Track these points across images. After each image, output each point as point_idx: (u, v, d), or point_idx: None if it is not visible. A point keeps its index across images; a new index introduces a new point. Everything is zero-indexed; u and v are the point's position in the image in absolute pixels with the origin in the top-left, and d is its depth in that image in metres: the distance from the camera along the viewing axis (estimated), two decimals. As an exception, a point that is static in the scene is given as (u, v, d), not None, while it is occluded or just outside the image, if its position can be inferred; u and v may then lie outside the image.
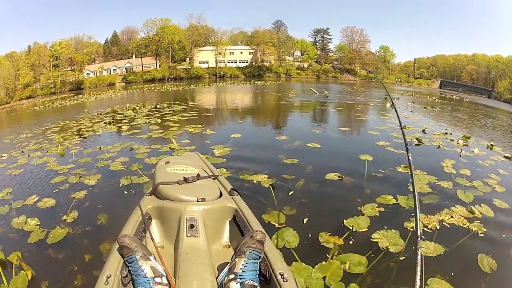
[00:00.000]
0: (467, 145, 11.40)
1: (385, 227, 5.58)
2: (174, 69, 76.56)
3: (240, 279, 2.54)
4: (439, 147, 11.17)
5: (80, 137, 13.95)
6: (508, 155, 10.53)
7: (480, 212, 6.24)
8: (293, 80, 72.64)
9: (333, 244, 5.14)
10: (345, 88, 46.90)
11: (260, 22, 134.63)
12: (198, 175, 4.13)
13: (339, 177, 7.86)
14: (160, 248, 3.19)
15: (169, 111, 20.41)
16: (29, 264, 4.84)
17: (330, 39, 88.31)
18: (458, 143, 11.66)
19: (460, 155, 9.95)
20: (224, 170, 8.02)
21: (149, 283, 2.58)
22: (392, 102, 6.57)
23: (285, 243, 5.16)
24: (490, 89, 68.38)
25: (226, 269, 2.73)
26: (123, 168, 9.00)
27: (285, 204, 6.43)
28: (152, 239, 3.13)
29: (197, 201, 3.56)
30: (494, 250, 5.12)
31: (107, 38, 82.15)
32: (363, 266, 4.63)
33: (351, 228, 5.62)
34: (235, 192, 4.00)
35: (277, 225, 5.69)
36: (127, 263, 2.73)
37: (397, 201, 6.59)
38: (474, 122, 22.14)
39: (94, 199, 7.18)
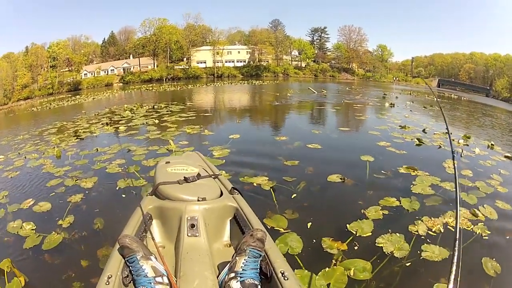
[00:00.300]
0: (467, 145, 11.33)
1: (389, 230, 5.48)
2: (172, 69, 76.20)
3: (241, 277, 2.54)
4: (440, 147, 11.08)
5: (77, 138, 13.83)
6: (509, 155, 10.43)
7: (483, 214, 6.14)
8: (290, 79, 72.25)
9: (336, 249, 5.03)
10: (343, 88, 46.75)
11: (258, 21, 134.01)
12: (199, 174, 4.12)
13: (341, 179, 7.74)
14: (161, 248, 3.23)
15: (167, 111, 20.32)
16: (24, 271, 4.77)
17: (328, 38, 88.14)
18: (458, 143, 11.59)
19: (461, 155, 9.82)
20: (224, 172, 7.81)
21: (150, 282, 2.57)
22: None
23: (288, 249, 5.05)
24: (488, 88, 68.26)
25: (226, 268, 2.72)
26: (120, 170, 8.88)
27: (287, 208, 6.30)
28: (153, 239, 3.11)
29: (198, 200, 3.56)
30: (498, 253, 5.05)
31: (104, 38, 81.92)
32: (368, 272, 4.53)
33: (354, 232, 5.51)
34: (235, 191, 4.00)
35: (282, 230, 5.57)
36: (128, 263, 2.72)
37: (400, 204, 6.48)
38: (473, 121, 22.10)
39: (90, 202, 7.06)
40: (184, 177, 3.94)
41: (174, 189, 3.75)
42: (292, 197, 6.89)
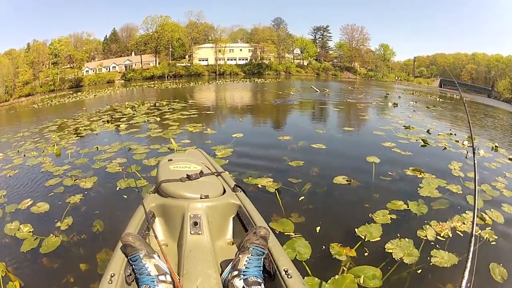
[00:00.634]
0: (472, 146, 11.01)
1: (398, 235, 5.34)
2: (174, 67, 76.08)
3: (244, 275, 2.53)
4: (445, 148, 10.92)
5: (77, 136, 13.70)
6: (513, 157, 10.25)
7: (490, 218, 6.02)
8: (292, 78, 72.25)
9: (345, 256, 4.86)
10: (345, 87, 46.60)
11: (260, 20, 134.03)
12: (201, 172, 4.11)
13: (347, 180, 7.57)
14: (164, 246, 3.22)
15: (169, 109, 20.23)
16: (20, 275, 4.68)
17: (330, 37, 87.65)
18: (463, 144, 11.46)
19: (466, 157, 9.71)
20: (227, 173, 7.61)
21: (153, 281, 2.54)
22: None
23: (296, 255, 4.88)
24: (490, 89, 68.21)
25: (229, 266, 2.70)
26: (120, 170, 8.71)
27: (293, 211, 6.14)
28: (156, 237, 3.15)
29: (201, 198, 3.56)
30: (506, 258, 4.97)
31: (106, 36, 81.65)
32: (378, 280, 4.39)
33: (363, 237, 5.35)
34: (238, 188, 3.99)
35: (293, 234, 5.42)
36: (130, 262, 2.69)
37: (408, 207, 6.35)
38: (475, 121, 21.98)
39: (89, 204, 6.91)
40: (187, 175, 3.93)
41: (177, 187, 3.73)
42: (300, 199, 6.72)
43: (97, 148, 10.89)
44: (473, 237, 2.33)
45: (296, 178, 7.65)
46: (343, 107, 23.28)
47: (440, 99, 35.47)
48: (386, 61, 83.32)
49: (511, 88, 64.19)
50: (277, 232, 5.40)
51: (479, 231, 5.56)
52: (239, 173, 8.00)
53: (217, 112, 21.45)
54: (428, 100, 33.01)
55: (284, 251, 2.92)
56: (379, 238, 5.32)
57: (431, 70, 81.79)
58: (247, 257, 2.62)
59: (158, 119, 16.36)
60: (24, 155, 11.10)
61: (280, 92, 34.12)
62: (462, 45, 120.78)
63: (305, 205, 6.51)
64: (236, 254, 2.75)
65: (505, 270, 4.63)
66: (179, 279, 2.60)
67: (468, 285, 2.00)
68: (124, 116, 18.26)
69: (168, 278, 2.58)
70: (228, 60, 79.75)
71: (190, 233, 3.16)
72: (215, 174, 4.35)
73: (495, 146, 11.72)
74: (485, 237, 5.41)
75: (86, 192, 7.41)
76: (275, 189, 7.10)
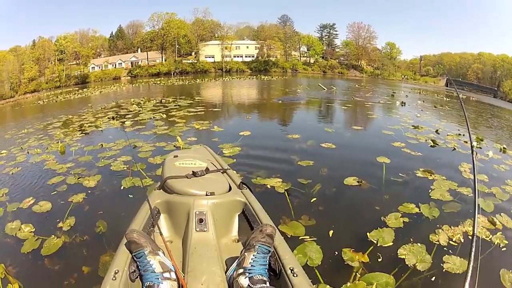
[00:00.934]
0: (480, 148, 10.91)
1: (411, 239, 5.17)
2: (180, 63, 76.23)
3: (249, 273, 2.50)
4: (454, 149, 10.64)
5: (82, 133, 13.63)
6: (522, 160, 10.07)
7: (501, 223, 5.84)
8: (299, 75, 72.34)
9: (357, 261, 4.70)
10: (352, 85, 46.44)
11: (266, 17, 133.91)
12: (207, 168, 4.11)
13: (358, 182, 7.38)
14: (169, 243, 3.24)
15: (175, 106, 20.13)
16: (20, 277, 4.63)
17: (337, 34, 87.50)
18: (472, 145, 11.06)
19: (475, 159, 9.35)
20: (234, 173, 7.43)
21: (158, 278, 2.52)
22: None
23: (307, 260, 4.71)
24: (496, 89, 67.94)
25: (235, 263, 2.69)
26: (125, 168, 8.56)
27: (303, 213, 5.96)
28: (161, 233, 3.08)
29: (206, 195, 3.53)
30: None
31: (112, 32, 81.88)
32: (391, 287, 4.25)
33: (375, 242, 5.18)
34: (244, 185, 3.98)
35: (304, 238, 5.23)
36: (135, 258, 2.68)
37: (419, 210, 6.17)
38: (482, 122, 21.90)
39: (93, 203, 6.76)
40: (193, 171, 3.92)
41: (182, 184, 3.71)
42: (311, 201, 6.54)
43: (102, 146, 10.74)
44: (474, 246, 2.46)
45: (305, 178, 7.47)
46: (351, 105, 23.09)
47: (447, 99, 35.31)
48: (392, 59, 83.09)
49: (517, 89, 63.98)
50: (289, 236, 5.25)
51: (490, 236, 5.44)
52: (247, 172, 7.84)
53: (224, 109, 21.36)
54: (435, 99, 32.80)
55: (290, 250, 2.87)
56: (391, 243, 5.16)
57: (438, 69, 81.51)
58: (253, 255, 2.59)
59: (164, 116, 16.22)
60: (28, 152, 11.01)
61: (287, 90, 34.09)
62: (469, 43, 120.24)
63: (316, 207, 6.34)
64: (241, 252, 2.72)
65: (515, 277, 4.48)
66: (183, 276, 2.60)
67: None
68: (130, 112, 18.17)
69: (173, 275, 2.57)
70: (234, 57, 79.90)
71: (195, 230, 3.13)
72: (221, 171, 4.32)
73: (503, 147, 11.49)
74: (496, 242, 5.28)
75: (89, 191, 7.26)
76: (285, 190, 6.93)
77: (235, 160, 8.79)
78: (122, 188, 7.32)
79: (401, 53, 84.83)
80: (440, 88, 62.55)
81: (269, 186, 7.12)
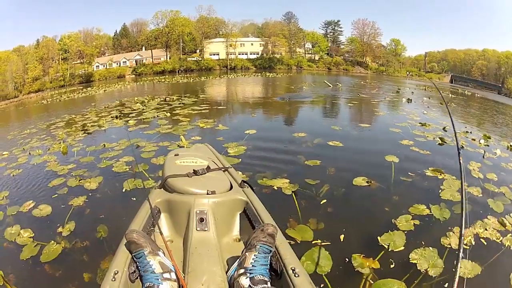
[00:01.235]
0: (488, 145, 10.80)
1: (422, 243, 5.03)
2: (185, 61, 76.35)
3: (250, 274, 2.45)
4: (463, 147, 10.36)
5: (84, 132, 13.55)
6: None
7: (510, 224, 5.72)
8: (304, 72, 72.25)
9: (368, 268, 4.56)
10: (357, 81, 46.40)
11: (271, 14, 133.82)
12: (208, 167, 4.02)
13: (367, 182, 7.20)
14: (169, 243, 3.22)
15: (179, 104, 20.03)
16: (19, 285, 4.63)
17: (341, 31, 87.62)
18: (480, 143, 11.08)
19: (483, 157, 9.40)
20: (240, 173, 7.27)
21: (157, 278, 2.47)
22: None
23: (316, 267, 4.54)
24: (500, 85, 67.93)
25: (236, 263, 2.65)
26: (127, 169, 8.42)
27: (311, 216, 5.79)
28: (161, 233, 3.10)
29: (207, 194, 3.46)
30: None
31: (116, 31, 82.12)
32: None
33: (386, 246, 5.04)
34: (245, 184, 3.90)
35: (320, 241, 5.08)
36: (135, 259, 2.62)
37: (430, 212, 6.03)
38: (487, 118, 21.97)
39: (94, 206, 6.63)
40: (193, 170, 3.82)
41: (183, 182, 3.63)
42: (319, 203, 6.38)
43: (104, 146, 10.64)
44: (461, 250, 2.28)
45: (313, 179, 7.30)
46: (357, 102, 22.98)
47: (453, 95, 35.23)
48: (397, 56, 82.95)
49: (521, 86, 63.87)
50: (299, 242, 5.10)
51: (500, 238, 5.33)
52: (253, 173, 7.70)
53: (228, 107, 21.26)
54: (440, 96, 32.53)
55: (291, 249, 2.79)
56: (403, 248, 5.02)
57: (442, 66, 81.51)
58: (254, 255, 2.55)
59: (168, 114, 16.11)
60: (30, 153, 10.93)
61: (292, 87, 34.16)
62: (473, 39, 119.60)
63: (324, 209, 6.19)
64: (242, 252, 2.68)
65: (525, 281, 4.38)
66: (184, 277, 2.56)
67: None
68: (134, 111, 18.07)
69: (173, 276, 2.53)
70: (239, 54, 79.91)
71: (196, 230, 3.08)
72: (222, 169, 4.24)
73: (511, 145, 11.33)
74: (506, 245, 5.18)
75: (90, 194, 7.14)
76: (292, 192, 6.75)
77: (240, 159, 8.64)
78: (124, 190, 7.19)
79: (406, 50, 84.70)
80: (445, 85, 62.63)
81: (276, 188, 6.95)
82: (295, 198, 6.44)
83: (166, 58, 77.11)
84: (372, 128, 13.90)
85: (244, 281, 2.42)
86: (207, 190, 3.48)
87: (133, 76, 71.67)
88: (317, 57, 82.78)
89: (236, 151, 9.29)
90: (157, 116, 15.87)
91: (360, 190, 6.98)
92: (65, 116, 19.15)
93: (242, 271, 2.49)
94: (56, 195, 7.21)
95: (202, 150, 5.16)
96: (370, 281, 4.32)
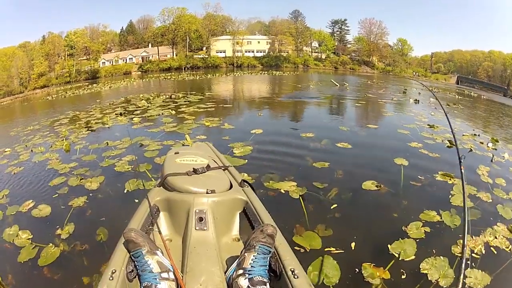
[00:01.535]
0: (495, 149, 10.55)
1: (433, 251, 4.86)
2: (191, 58, 76.49)
3: (249, 274, 2.46)
4: (471, 150, 10.22)
5: (88, 130, 13.46)
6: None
7: None
8: (311, 71, 72.43)
9: (378, 278, 4.39)
10: (364, 81, 46.28)
11: (278, 11, 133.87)
12: (208, 166, 4.03)
13: (376, 186, 6.99)
14: (168, 242, 3.21)
15: (185, 101, 19.90)
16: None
17: (348, 30, 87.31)
18: (488, 146, 10.80)
19: (492, 161, 9.15)
20: (246, 175, 7.20)
21: (155, 278, 2.47)
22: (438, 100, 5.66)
23: (323, 278, 4.36)
24: (506, 88, 67.66)
25: (235, 264, 2.64)
26: (129, 169, 8.27)
27: (319, 222, 5.60)
28: (160, 232, 2.98)
29: (207, 193, 3.46)
30: None
31: (122, 27, 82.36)
32: None
33: (397, 255, 4.85)
34: (245, 183, 3.91)
35: (328, 249, 4.91)
36: (133, 258, 2.63)
37: (441, 218, 5.83)
38: (493, 120, 21.58)
39: (94, 208, 6.48)
40: (193, 169, 3.84)
41: (183, 181, 3.62)
42: (327, 208, 6.18)
43: (107, 144, 10.49)
44: (463, 268, 2.35)
45: (321, 182, 7.08)
46: (364, 102, 22.73)
47: (459, 97, 35.05)
48: (403, 56, 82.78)
49: (527, 88, 63.64)
50: (308, 250, 4.91)
51: (509, 246, 5.16)
52: (259, 174, 7.48)
53: (234, 105, 21.16)
54: (447, 97, 32.68)
55: (291, 250, 2.78)
56: (413, 257, 4.84)
57: (449, 67, 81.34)
58: (253, 256, 2.55)
59: (173, 112, 16.00)
60: (32, 151, 10.84)
61: (299, 85, 34.14)
62: (475, 39, 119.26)
63: (332, 214, 6.00)
64: (241, 252, 2.69)
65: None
66: (182, 276, 2.56)
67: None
68: (138, 108, 18.01)
69: (171, 275, 2.54)
70: (246, 52, 79.97)
71: (195, 229, 3.09)
72: (222, 168, 4.26)
73: (519, 148, 11.05)
74: None
75: (91, 194, 6.98)
76: (300, 196, 6.54)
77: (246, 160, 8.46)
78: (125, 191, 7.03)
79: (412, 50, 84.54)
80: (451, 86, 62.34)
81: (283, 191, 6.75)
82: (302, 203, 6.26)
83: (173, 55, 77.36)
84: (380, 129, 13.65)
85: (243, 282, 2.42)
86: (207, 189, 3.46)
87: (139, 73, 72.01)
88: (323, 56, 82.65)
89: (242, 151, 9.10)
90: (162, 113, 15.75)
91: (369, 194, 6.78)
92: (70, 113, 19.08)
93: (241, 271, 2.49)
94: (57, 194, 7.08)
95: (202, 148, 5.20)
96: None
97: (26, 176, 8.51)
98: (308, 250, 4.88)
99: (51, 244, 5.29)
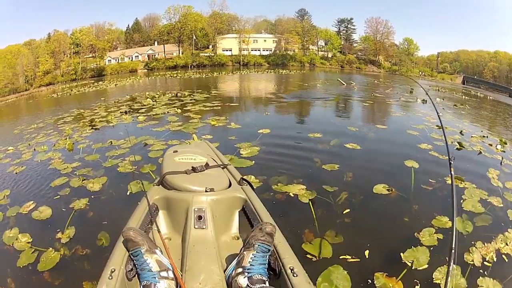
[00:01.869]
0: (504, 151, 10.32)
1: (446, 259, 4.49)
2: (197, 56, 76.80)
3: (248, 273, 2.47)
4: (480, 152, 9.99)
5: (92, 128, 13.32)
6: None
7: None
8: (317, 69, 72.66)
9: None
10: (370, 80, 46.13)
11: (284, 10, 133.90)
12: (207, 164, 4.07)
13: (387, 190, 6.76)
14: (167, 240, 3.22)
15: (191, 100, 19.77)
16: None
17: (354, 29, 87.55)
18: (497, 149, 10.59)
19: (501, 164, 8.92)
20: (253, 177, 7.02)
21: (154, 277, 2.48)
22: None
23: None
24: (511, 88, 67.42)
25: (234, 262, 2.66)
26: (133, 170, 8.10)
27: (328, 227, 5.39)
28: (159, 231, 3.01)
29: (206, 191, 3.49)
30: None
31: (128, 25, 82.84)
32: None
33: (409, 264, 4.66)
34: (244, 182, 3.92)
35: (339, 258, 4.72)
36: (132, 257, 2.63)
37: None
38: (499, 121, 21.46)
39: (96, 210, 6.33)
40: (192, 167, 3.87)
41: (182, 179, 3.67)
42: (338, 213, 5.98)
43: (111, 143, 10.34)
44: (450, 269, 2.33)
45: (331, 185, 6.86)
46: (372, 102, 22.53)
47: (466, 97, 34.86)
48: (410, 55, 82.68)
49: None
50: (320, 259, 4.71)
51: None
52: (267, 177, 7.27)
53: (241, 104, 21.03)
54: (454, 97, 32.56)
55: (290, 249, 2.79)
56: (426, 266, 4.65)
57: (454, 66, 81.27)
58: (252, 254, 2.56)
59: (179, 110, 15.89)
60: (34, 149, 10.72)
61: (306, 84, 33.87)
62: (476, 39, 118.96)
63: (342, 219, 5.80)
64: (240, 250, 2.69)
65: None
66: (181, 275, 2.58)
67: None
68: (144, 107, 17.91)
69: (170, 274, 2.55)
70: (252, 50, 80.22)
71: (194, 227, 3.10)
72: (221, 166, 4.26)
73: (527, 151, 10.89)
74: None
75: (93, 196, 6.83)
76: (309, 200, 6.34)
77: (253, 162, 8.24)
78: (128, 193, 6.88)
79: (419, 49, 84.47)
80: (457, 86, 62.16)
81: (292, 194, 6.54)
82: (312, 207, 6.05)
83: (179, 53, 77.65)
84: (389, 129, 13.42)
85: (242, 280, 2.43)
86: (206, 188, 3.49)
87: (145, 70, 72.38)
88: (330, 55, 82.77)
89: (249, 152, 8.91)
90: (168, 112, 15.63)
91: (380, 198, 6.56)
92: (74, 111, 19.02)
93: (240, 270, 2.51)
94: (58, 196, 6.94)
95: (201, 147, 5.23)
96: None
97: (28, 176, 8.38)
98: (318, 259, 4.68)
99: (51, 248, 5.15)
